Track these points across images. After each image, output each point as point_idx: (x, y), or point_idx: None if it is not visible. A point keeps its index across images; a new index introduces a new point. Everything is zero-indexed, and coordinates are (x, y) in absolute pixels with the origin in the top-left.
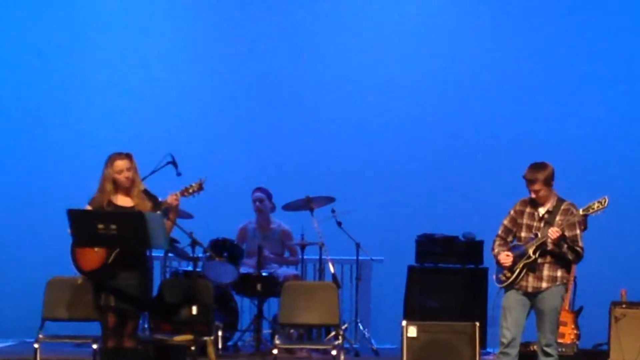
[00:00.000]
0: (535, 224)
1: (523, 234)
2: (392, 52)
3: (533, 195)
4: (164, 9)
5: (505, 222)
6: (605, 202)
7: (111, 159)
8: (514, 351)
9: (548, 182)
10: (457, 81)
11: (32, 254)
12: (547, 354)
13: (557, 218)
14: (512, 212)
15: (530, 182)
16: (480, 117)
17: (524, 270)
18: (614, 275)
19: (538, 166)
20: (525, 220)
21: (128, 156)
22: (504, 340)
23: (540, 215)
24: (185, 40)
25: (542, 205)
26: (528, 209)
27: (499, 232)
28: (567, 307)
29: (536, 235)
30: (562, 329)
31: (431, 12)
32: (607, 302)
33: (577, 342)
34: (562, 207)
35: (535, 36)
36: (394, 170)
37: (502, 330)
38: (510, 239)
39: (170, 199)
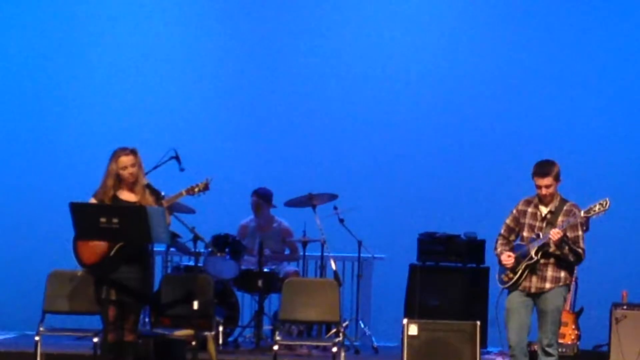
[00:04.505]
0: (537, 224)
1: (525, 234)
2: (396, 51)
3: (544, 192)
4: (170, 5)
5: (508, 221)
6: (606, 204)
7: (116, 155)
8: (521, 353)
9: (558, 178)
10: (461, 80)
11: (33, 246)
12: (548, 354)
13: (560, 219)
14: (514, 211)
15: (542, 176)
16: (483, 117)
17: (527, 272)
18: (615, 276)
19: (548, 162)
20: (527, 220)
21: (133, 152)
22: (511, 344)
23: (543, 215)
24: (189, 36)
25: (546, 205)
26: (531, 209)
27: (502, 231)
28: (568, 308)
29: (538, 235)
30: (562, 329)
31: (437, 10)
32: (607, 303)
33: (578, 343)
34: (565, 208)
35: (540, 36)
36: (397, 168)
37: (508, 333)
38: (512, 238)
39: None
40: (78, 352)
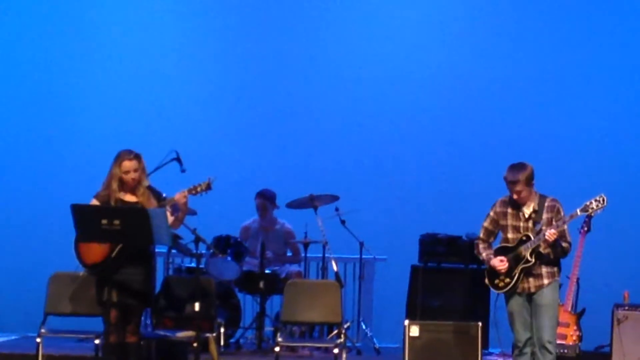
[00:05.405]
0: (522, 224)
1: (510, 235)
2: (398, 54)
3: (515, 197)
4: (172, 7)
5: (486, 224)
6: (603, 200)
7: (120, 159)
8: (529, 349)
9: (529, 182)
10: (462, 83)
11: (35, 248)
12: (547, 351)
13: (544, 216)
14: (492, 213)
15: (512, 183)
16: (484, 118)
17: (523, 274)
18: (617, 277)
19: (518, 167)
20: (509, 222)
21: (137, 157)
22: (519, 344)
23: (527, 215)
24: (192, 38)
25: (525, 205)
26: (510, 210)
27: (481, 235)
28: (569, 309)
29: (527, 237)
30: (564, 330)
31: (439, 14)
32: (609, 304)
33: (579, 344)
34: (546, 204)
35: (540, 39)
36: (398, 170)
37: (514, 333)
38: (492, 240)
39: (178, 196)
40: (80, 354)
